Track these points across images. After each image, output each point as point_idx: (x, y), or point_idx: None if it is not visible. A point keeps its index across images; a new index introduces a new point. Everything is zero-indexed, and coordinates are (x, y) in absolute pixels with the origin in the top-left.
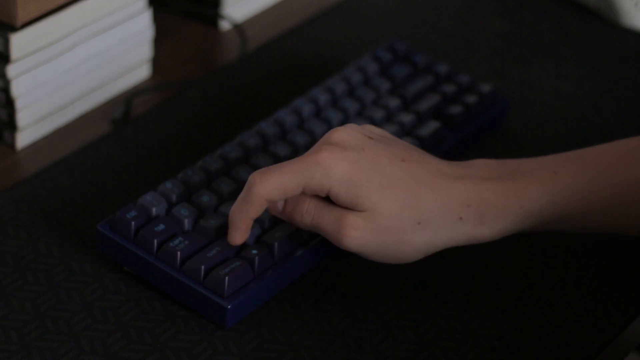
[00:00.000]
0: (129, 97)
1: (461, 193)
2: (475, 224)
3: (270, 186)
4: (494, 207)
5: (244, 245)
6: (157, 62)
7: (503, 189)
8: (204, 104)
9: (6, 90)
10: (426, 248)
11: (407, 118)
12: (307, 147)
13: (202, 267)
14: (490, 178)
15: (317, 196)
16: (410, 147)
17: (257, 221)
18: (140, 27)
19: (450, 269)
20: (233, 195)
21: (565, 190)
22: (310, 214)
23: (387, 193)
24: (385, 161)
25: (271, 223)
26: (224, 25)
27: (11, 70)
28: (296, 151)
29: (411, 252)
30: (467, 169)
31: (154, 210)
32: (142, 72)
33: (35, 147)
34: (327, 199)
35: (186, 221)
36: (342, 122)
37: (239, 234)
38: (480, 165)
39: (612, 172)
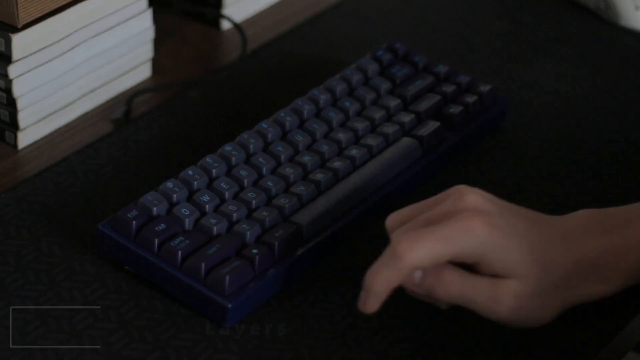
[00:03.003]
0: (129, 97)
1: (585, 254)
2: (600, 282)
3: (422, 255)
4: (614, 266)
5: (244, 245)
6: (158, 62)
7: (617, 245)
8: (204, 104)
9: (8, 90)
10: (561, 309)
11: (407, 118)
12: (307, 147)
13: (203, 266)
14: (602, 235)
15: (456, 265)
16: (525, 208)
17: (258, 221)
18: (141, 28)
19: None
20: (234, 195)
21: None
22: (456, 285)
23: (532, 258)
24: (522, 225)
25: (271, 223)
26: (224, 25)
27: (13, 71)
28: (296, 151)
29: (550, 313)
30: (578, 226)
31: (154, 209)
32: (142, 72)
33: (37, 146)
34: (467, 267)
35: (187, 221)
36: (342, 122)
37: (378, 302)
38: (587, 219)
39: None
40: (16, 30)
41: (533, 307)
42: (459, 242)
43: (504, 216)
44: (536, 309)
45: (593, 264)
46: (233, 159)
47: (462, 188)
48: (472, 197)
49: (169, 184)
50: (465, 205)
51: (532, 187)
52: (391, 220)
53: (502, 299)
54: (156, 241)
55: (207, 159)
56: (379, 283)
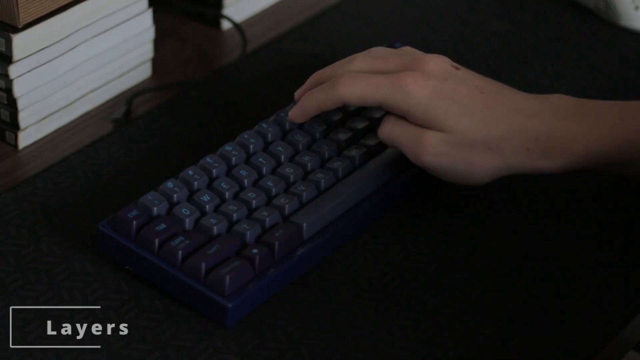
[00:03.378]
0: (130, 97)
1: (532, 128)
2: (541, 156)
3: (352, 92)
4: (561, 145)
5: (244, 245)
6: (158, 62)
7: (572, 129)
8: (204, 104)
9: (8, 90)
10: (493, 172)
11: None
12: (307, 146)
13: (203, 266)
14: (562, 117)
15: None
16: (492, 81)
17: (258, 221)
18: (141, 28)
19: (450, 269)
20: (234, 195)
21: (630, 137)
22: (387, 125)
23: (462, 119)
24: (464, 92)
25: (271, 223)
26: (224, 25)
27: (13, 71)
28: (296, 151)
29: (479, 173)
30: (542, 104)
31: (155, 209)
32: (143, 72)
33: (37, 146)
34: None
35: (187, 220)
36: (342, 122)
37: (303, 115)
38: (556, 102)
39: None
40: (17, 30)
41: (457, 160)
42: (386, 93)
43: (446, 81)
44: (461, 163)
45: (536, 138)
46: (233, 159)
47: (432, 55)
48: (426, 61)
49: (169, 184)
50: (415, 65)
51: (532, 186)
52: (367, 54)
53: (424, 145)
54: (156, 241)
55: (207, 159)
56: (311, 101)
